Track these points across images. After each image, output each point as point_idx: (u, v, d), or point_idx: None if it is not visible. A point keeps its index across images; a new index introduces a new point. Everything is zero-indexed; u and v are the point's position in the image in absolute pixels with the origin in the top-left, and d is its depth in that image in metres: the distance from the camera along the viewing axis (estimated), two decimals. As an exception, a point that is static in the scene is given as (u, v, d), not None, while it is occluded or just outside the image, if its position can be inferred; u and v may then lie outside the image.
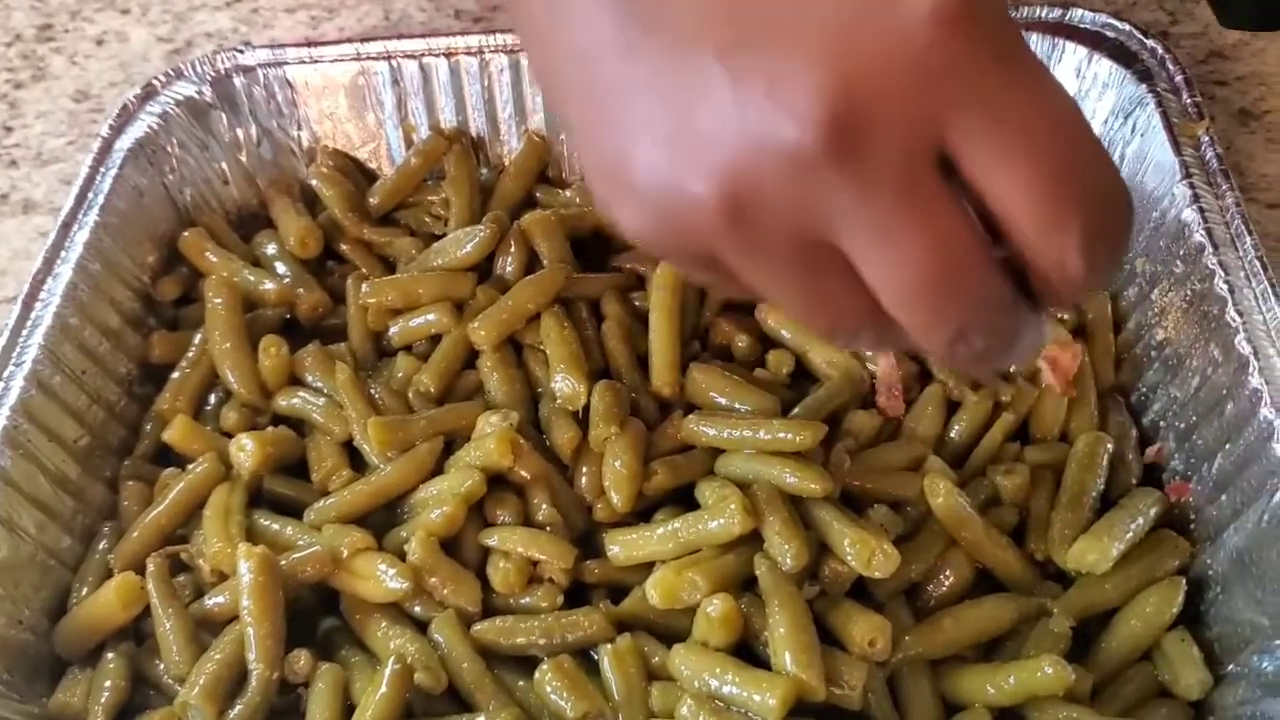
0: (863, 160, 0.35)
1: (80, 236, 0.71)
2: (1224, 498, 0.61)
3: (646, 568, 0.61)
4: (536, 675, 0.58)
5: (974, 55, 0.35)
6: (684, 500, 0.65)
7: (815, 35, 0.35)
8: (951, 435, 0.67)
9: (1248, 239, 0.66)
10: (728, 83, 0.36)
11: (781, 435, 0.63)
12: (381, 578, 0.60)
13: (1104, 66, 0.76)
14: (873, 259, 0.37)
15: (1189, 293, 0.66)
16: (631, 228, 0.40)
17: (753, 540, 0.61)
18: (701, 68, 0.37)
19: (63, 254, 0.70)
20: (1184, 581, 0.61)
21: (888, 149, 0.36)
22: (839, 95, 0.35)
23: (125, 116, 0.78)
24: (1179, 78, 0.75)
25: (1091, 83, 0.77)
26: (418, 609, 0.62)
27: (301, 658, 0.60)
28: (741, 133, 0.36)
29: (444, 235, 0.77)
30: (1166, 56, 0.75)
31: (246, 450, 0.66)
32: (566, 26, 0.41)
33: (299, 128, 0.82)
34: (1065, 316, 0.72)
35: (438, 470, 0.66)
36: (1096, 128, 0.77)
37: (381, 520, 0.65)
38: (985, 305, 0.38)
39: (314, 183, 0.80)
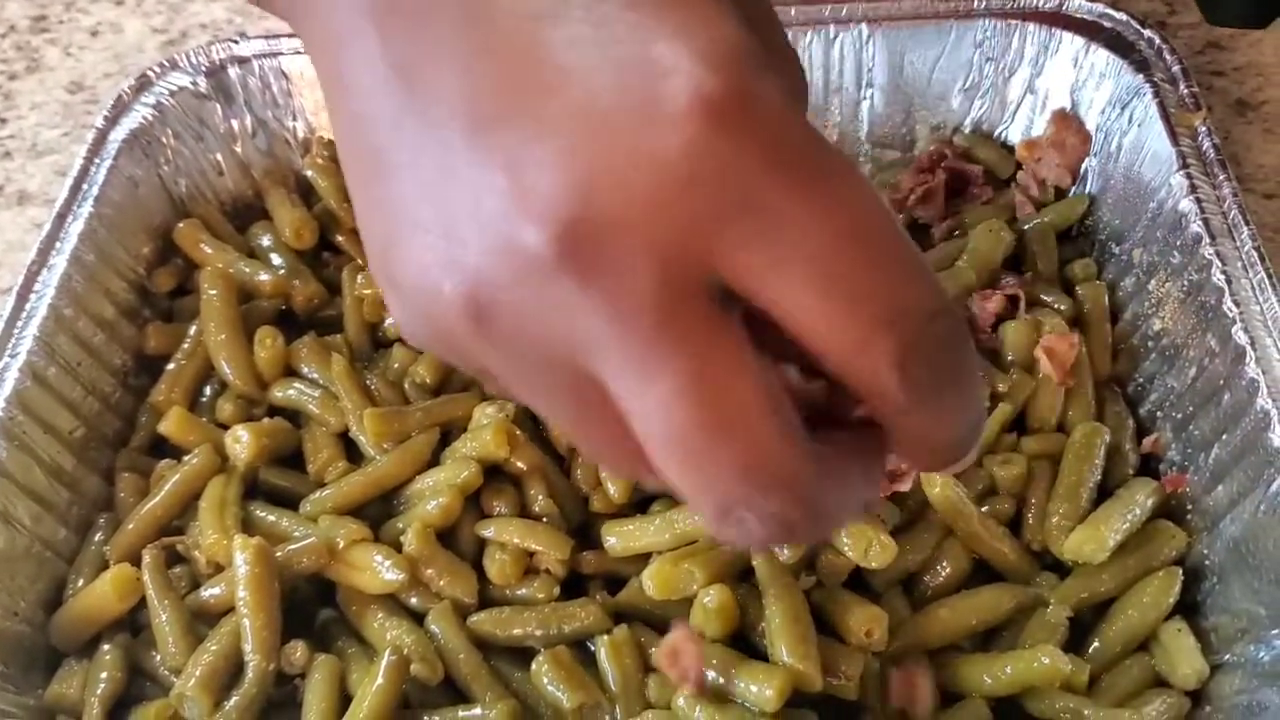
0: (606, 277, 0.30)
1: (75, 228, 0.71)
2: (1221, 488, 0.61)
3: (643, 559, 0.61)
4: (533, 666, 0.58)
5: (745, 159, 0.29)
6: (681, 491, 0.65)
7: (564, 122, 0.30)
8: (948, 426, 0.67)
9: (1245, 229, 0.66)
10: (474, 167, 0.31)
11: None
12: (378, 569, 0.60)
13: (1101, 57, 0.76)
14: (625, 396, 0.31)
15: (1186, 283, 0.66)
16: (397, 321, 0.35)
17: (749, 531, 0.61)
18: (452, 147, 0.32)
19: (57, 245, 0.70)
20: (1181, 571, 0.61)
21: (637, 267, 0.29)
22: (580, 197, 0.29)
23: (120, 107, 0.78)
24: (1176, 68, 0.75)
25: (1089, 73, 0.77)
26: (414, 600, 0.62)
27: (298, 649, 0.59)
28: (482, 228, 0.31)
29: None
30: (1163, 47, 0.75)
31: (242, 442, 0.66)
32: (343, 86, 0.35)
33: (294, 118, 0.81)
34: (1063, 307, 0.72)
35: (434, 462, 0.66)
36: (1093, 119, 0.77)
37: (377, 512, 0.65)
38: (766, 470, 0.31)
39: (309, 174, 0.79)
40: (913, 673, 0.57)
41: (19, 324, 0.67)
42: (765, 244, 0.30)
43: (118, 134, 0.76)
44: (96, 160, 0.75)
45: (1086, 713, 0.55)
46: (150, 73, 0.79)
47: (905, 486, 0.61)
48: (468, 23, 0.32)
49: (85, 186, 0.73)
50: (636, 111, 0.30)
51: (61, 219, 0.71)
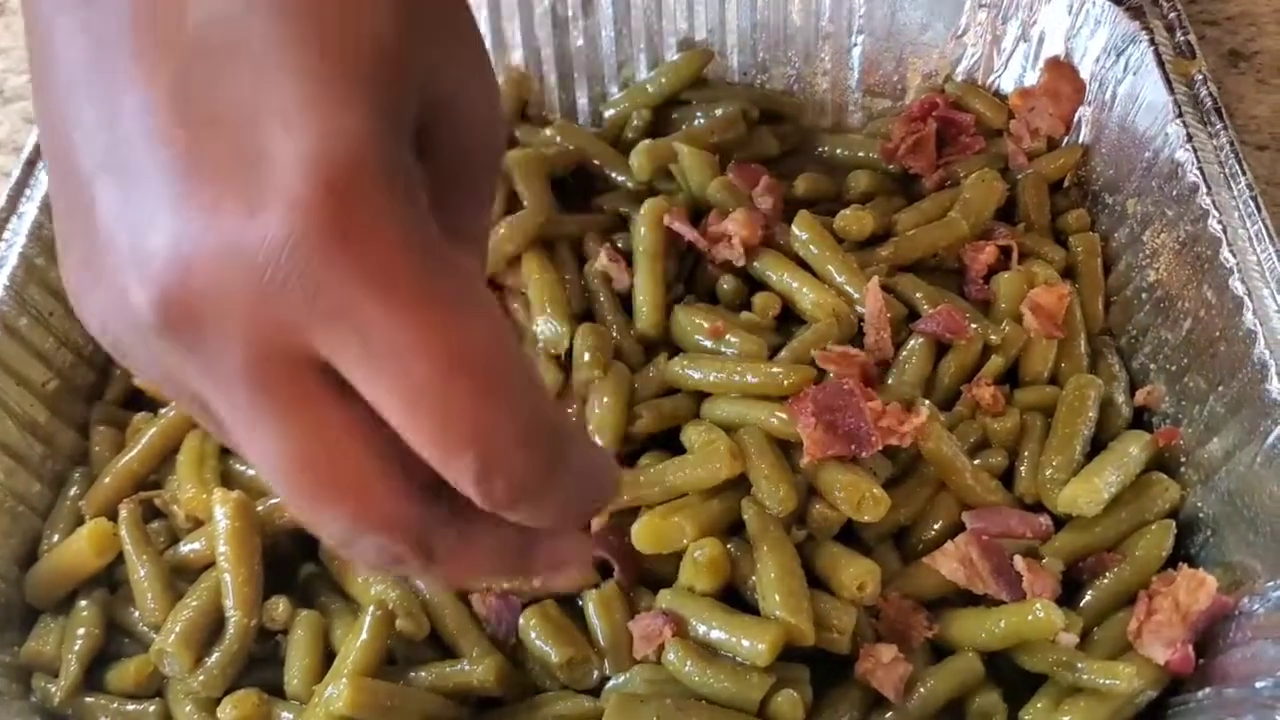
0: (201, 349, 0.31)
1: (45, 175, 0.69)
2: (1215, 440, 0.60)
3: (632, 512, 0.60)
4: (520, 621, 0.57)
5: (340, 269, 0.30)
6: (669, 444, 0.64)
7: (180, 192, 0.31)
8: (940, 377, 0.66)
9: (1242, 179, 0.65)
10: (100, 204, 0.32)
11: (769, 378, 0.62)
12: (361, 523, 0.59)
13: (1096, 3, 0.75)
14: (237, 440, 0.34)
15: (1181, 234, 0.65)
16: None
17: (740, 484, 0.60)
18: (80, 178, 0.33)
19: (27, 192, 0.68)
20: (1174, 524, 0.60)
21: (228, 347, 0.31)
22: (181, 273, 0.31)
23: (90, 51, 0.75)
24: (1171, 15, 0.74)
25: (1084, 20, 0.76)
26: (399, 555, 0.61)
27: (280, 604, 0.58)
28: (108, 275, 0.32)
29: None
30: (1158, -7, 0.74)
31: (221, 394, 0.65)
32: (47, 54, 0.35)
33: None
34: (1055, 258, 0.71)
35: (418, 414, 0.65)
36: (1087, 67, 0.76)
37: (360, 465, 0.64)
38: (373, 516, 0.33)
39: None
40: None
41: (-13, 275, 0.65)
42: (356, 354, 0.31)
43: (88, 78, 0.74)
44: (66, 105, 0.73)
45: (1079, 666, 0.55)
46: (121, 15, 0.77)
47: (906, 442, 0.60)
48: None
49: (55, 132, 0.71)
50: (237, 194, 0.30)
51: (31, 165, 0.70)
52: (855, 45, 0.81)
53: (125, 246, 0.32)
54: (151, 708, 0.57)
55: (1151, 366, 0.67)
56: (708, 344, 0.66)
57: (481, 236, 0.43)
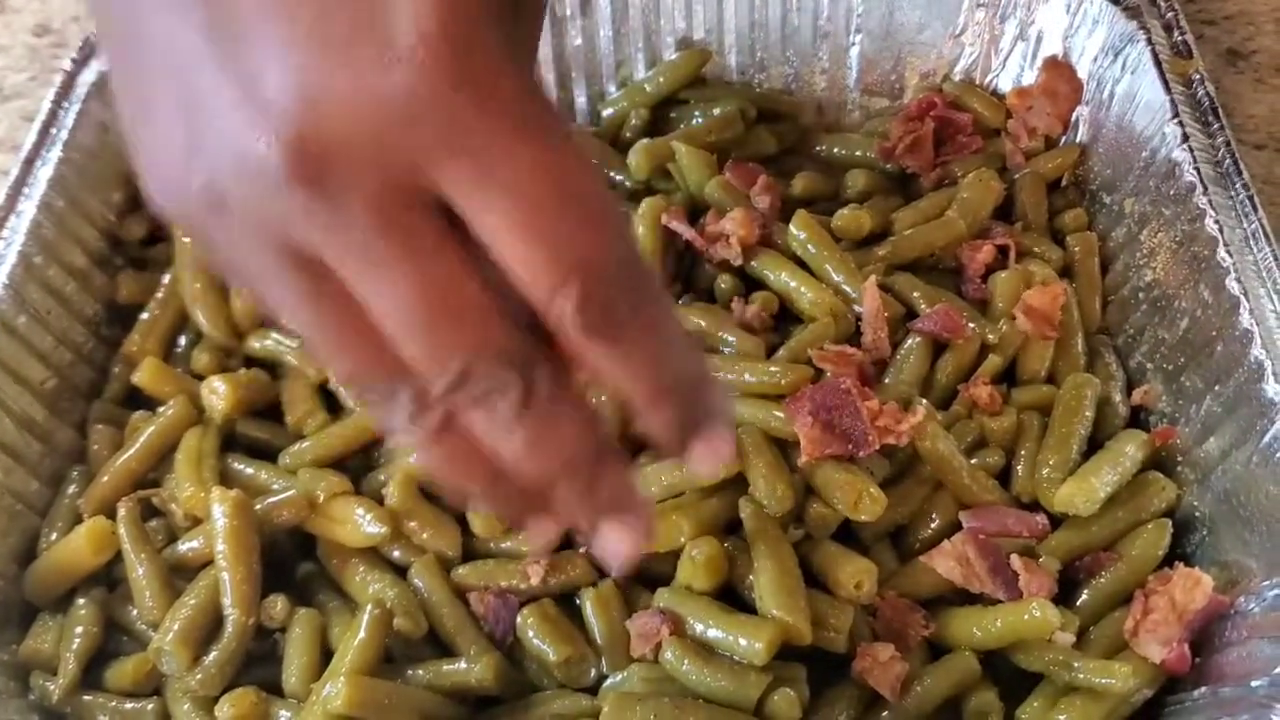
0: (332, 191, 0.33)
1: (44, 173, 0.69)
2: (1212, 439, 0.61)
3: (630, 511, 0.60)
4: (518, 620, 0.57)
5: (460, 100, 0.33)
6: (667, 443, 0.64)
7: (300, 44, 0.33)
8: (937, 377, 0.66)
9: (1239, 179, 0.65)
10: (218, 72, 0.34)
11: (766, 377, 0.62)
12: (359, 522, 0.59)
13: (1094, 2, 0.75)
14: (360, 288, 0.35)
15: (1178, 233, 0.66)
16: (147, 191, 0.38)
17: (737, 483, 0.60)
18: (200, 49, 0.34)
19: (25, 191, 0.68)
20: (1170, 523, 0.60)
21: (358, 184, 0.33)
22: (310, 118, 0.33)
23: (88, 50, 0.75)
24: (1169, 15, 0.74)
25: (1081, 19, 0.76)
26: (396, 553, 0.61)
27: (278, 603, 0.58)
28: (220, 133, 0.34)
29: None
30: (1156, -8, 0.74)
31: (218, 393, 0.65)
32: None
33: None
34: (1053, 258, 0.71)
35: (416, 413, 0.65)
36: (1085, 66, 0.76)
37: (358, 464, 0.64)
38: (492, 348, 0.36)
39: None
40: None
41: (-14, 273, 0.65)
42: (474, 182, 0.34)
43: (86, 77, 0.74)
44: (65, 105, 0.73)
45: (1075, 664, 0.55)
46: (120, 14, 0.77)
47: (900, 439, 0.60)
48: None
49: (54, 131, 0.71)
50: (365, 43, 0.32)
51: (30, 164, 0.70)
52: (853, 44, 0.81)
53: (244, 102, 0.33)
54: (149, 706, 0.57)
55: (1148, 366, 0.67)
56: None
57: None
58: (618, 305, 0.36)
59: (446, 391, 0.36)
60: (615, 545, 0.41)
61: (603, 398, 0.55)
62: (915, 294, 0.68)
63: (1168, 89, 0.69)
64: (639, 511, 0.42)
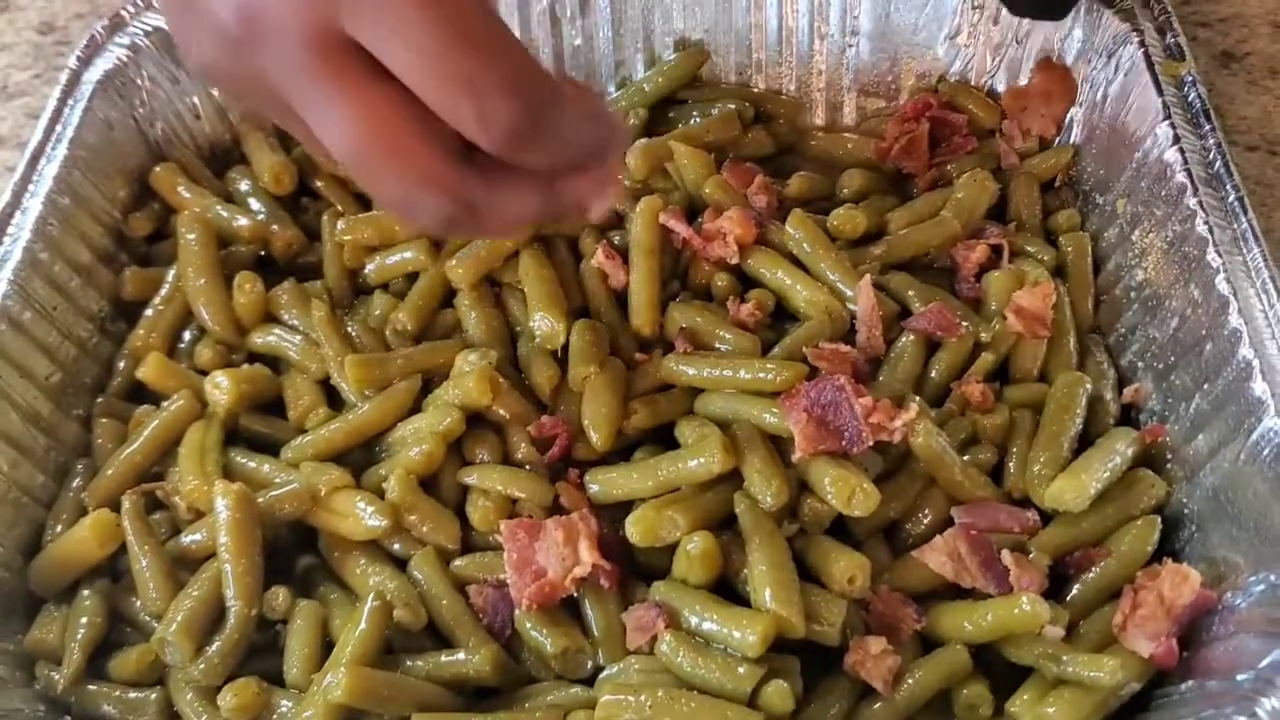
0: (269, 40, 0.42)
1: (49, 170, 0.70)
2: (1201, 437, 0.61)
3: (626, 506, 0.61)
4: (516, 612, 0.58)
5: None
6: (664, 439, 0.65)
7: None
8: (931, 374, 0.67)
9: (1229, 180, 0.65)
10: None
11: (762, 375, 0.63)
12: (360, 515, 0.60)
13: (1088, 4, 0.76)
14: (311, 125, 0.44)
15: (1169, 234, 0.66)
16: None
17: (732, 479, 0.61)
18: None
19: (31, 188, 0.69)
20: (1160, 520, 0.61)
21: (286, 31, 0.42)
22: None
23: (93, 48, 0.76)
24: (1162, 17, 0.74)
25: (1076, 21, 0.76)
26: (396, 546, 0.62)
27: (280, 594, 0.59)
28: (209, 14, 0.44)
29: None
30: (1149, -5, 0.75)
31: (222, 387, 0.66)
32: None
33: (272, 61, 0.80)
34: (1045, 258, 0.72)
35: (416, 408, 0.66)
36: (1079, 68, 0.77)
37: (359, 459, 0.65)
38: (420, 174, 0.43)
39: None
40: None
41: (-7, 268, 0.66)
42: (379, 25, 0.41)
43: (91, 75, 0.75)
44: (70, 102, 0.74)
45: (1065, 658, 0.56)
46: (124, 12, 0.78)
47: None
48: None
49: (59, 129, 0.72)
50: None
51: (35, 161, 0.70)
52: (850, 46, 0.82)
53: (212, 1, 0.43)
54: (153, 696, 0.58)
55: (1139, 364, 0.68)
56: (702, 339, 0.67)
57: None
58: (514, 115, 0.42)
59: (402, 216, 0.45)
60: (595, 217, 0.51)
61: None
62: (909, 293, 0.69)
63: (1160, 91, 0.70)
64: (598, 191, 0.49)
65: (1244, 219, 0.64)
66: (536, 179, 0.46)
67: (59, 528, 0.63)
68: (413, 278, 0.72)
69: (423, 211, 0.45)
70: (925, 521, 0.62)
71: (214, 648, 0.57)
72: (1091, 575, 0.60)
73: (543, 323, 0.67)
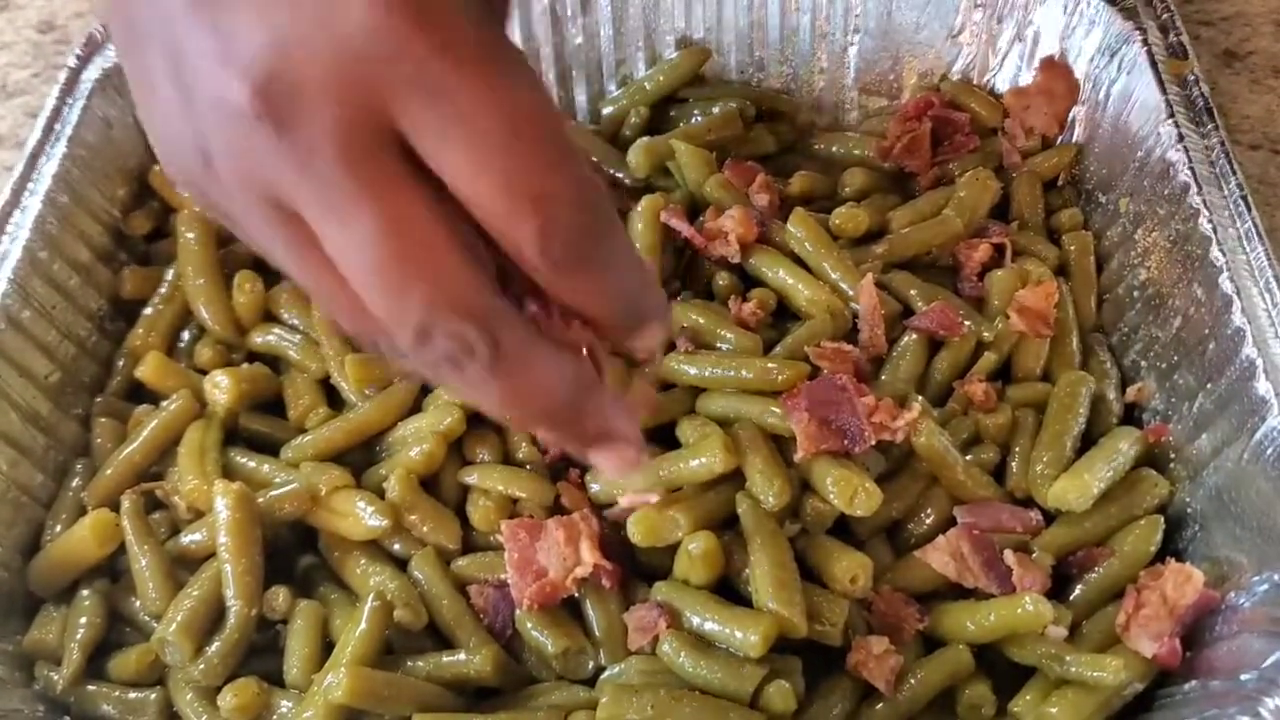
0: (298, 127, 0.35)
1: (48, 169, 0.70)
2: (1204, 436, 0.61)
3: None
4: (517, 612, 0.58)
5: (418, 41, 0.34)
6: (665, 439, 0.64)
7: (263, 4, 0.35)
8: (933, 374, 0.67)
9: (1232, 178, 0.65)
10: (194, 36, 0.36)
11: (764, 374, 0.63)
12: (360, 515, 0.60)
13: (1090, 3, 0.76)
14: (325, 233, 0.36)
15: (1172, 232, 0.66)
16: (160, 160, 0.40)
17: (734, 479, 0.61)
18: (177, 19, 0.37)
19: (30, 186, 0.69)
20: (1163, 520, 0.61)
21: (323, 120, 0.35)
22: (276, 57, 0.35)
23: (92, 47, 0.76)
24: (1165, 16, 0.74)
25: (1078, 19, 0.76)
26: (397, 547, 0.61)
27: (280, 594, 0.59)
28: (203, 85, 0.36)
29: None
30: (1152, -7, 0.75)
31: (221, 387, 0.66)
32: None
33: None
34: (1048, 256, 0.72)
35: (416, 408, 0.65)
36: (1082, 67, 0.77)
37: (359, 458, 0.65)
38: (452, 298, 0.36)
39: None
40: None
41: (-9, 267, 0.66)
42: (433, 117, 0.35)
43: (90, 74, 0.75)
44: (69, 101, 0.73)
45: (1068, 658, 0.56)
46: (124, 11, 0.77)
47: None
48: None
49: (58, 127, 0.72)
50: None
51: (34, 160, 0.70)
52: (852, 44, 0.82)
53: (220, 54, 0.35)
54: (152, 696, 0.58)
55: (1142, 364, 0.67)
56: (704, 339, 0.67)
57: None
58: (579, 237, 0.37)
59: (413, 346, 0.37)
60: (607, 468, 0.44)
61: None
62: (912, 292, 0.69)
63: (1163, 89, 0.70)
64: (629, 435, 0.43)
65: (1247, 218, 0.64)
66: (573, 360, 0.40)
67: (58, 527, 0.63)
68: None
69: (439, 339, 0.37)
70: (928, 521, 0.62)
71: (214, 648, 0.57)
72: (1094, 575, 0.60)
73: (544, 322, 0.67)
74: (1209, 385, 0.61)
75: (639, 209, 0.71)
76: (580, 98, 0.84)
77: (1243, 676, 0.52)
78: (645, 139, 0.76)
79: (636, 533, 0.59)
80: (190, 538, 0.61)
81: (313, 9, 0.34)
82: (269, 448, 0.66)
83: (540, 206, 0.36)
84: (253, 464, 0.64)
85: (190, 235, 0.71)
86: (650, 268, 0.42)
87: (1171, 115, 0.69)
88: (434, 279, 0.36)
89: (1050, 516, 0.62)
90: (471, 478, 0.63)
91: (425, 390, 0.66)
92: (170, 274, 0.72)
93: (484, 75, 0.35)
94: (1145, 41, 0.73)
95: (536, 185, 0.36)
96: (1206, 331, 0.62)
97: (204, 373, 0.67)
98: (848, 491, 0.58)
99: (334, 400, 0.67)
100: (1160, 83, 0.70)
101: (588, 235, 0.37)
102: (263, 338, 0.69)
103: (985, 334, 0.67)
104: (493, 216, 0.36)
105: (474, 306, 0.37)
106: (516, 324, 0.38)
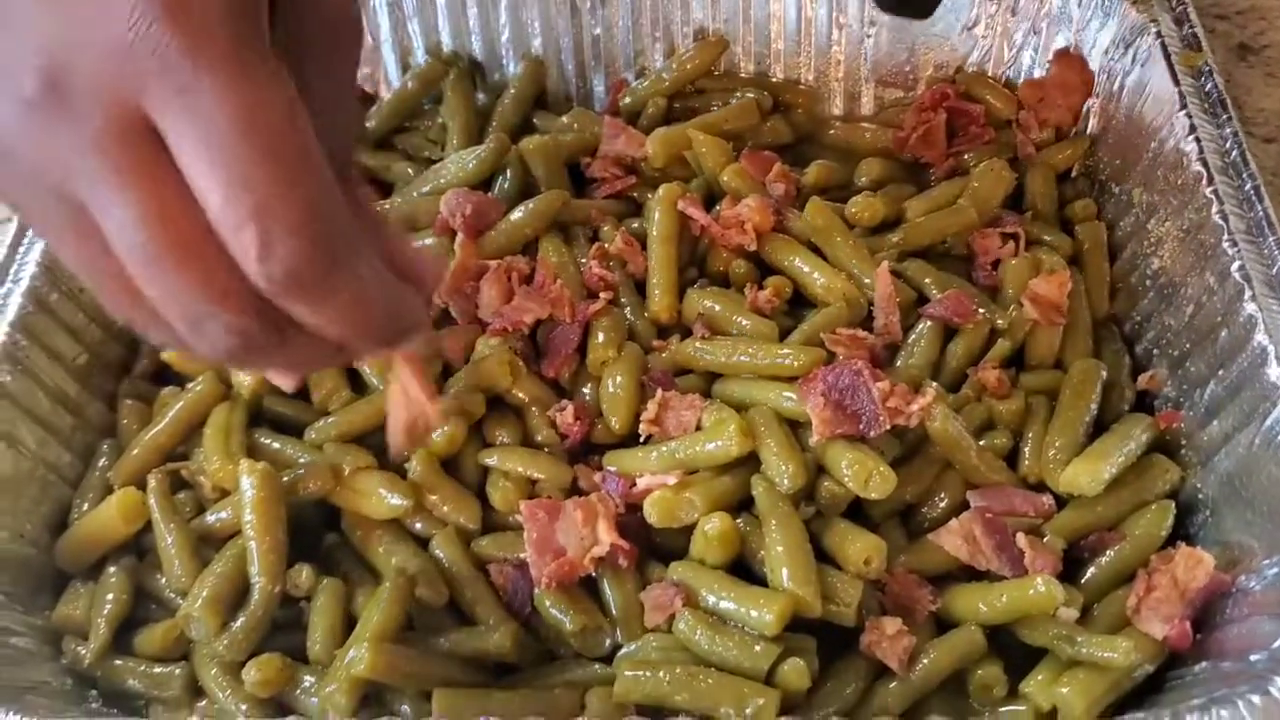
0: (70, 113, 0.37)
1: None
2: (1215, 423, 0.62)
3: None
4: (536, 591, 0.59)
5: (171, 41, 0.36)
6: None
7: (49, 6, 0.37)
8: (948, 360, 0.68)
9: (1245, 169, 0.66)
10: None
11: (780, 359, 0.64)
12: (383, 495, 0.61)
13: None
14: (101, 220, 0.38)
15: (1185, 222, 0.67)
16: None
17: (750, 462, 0.61)
18: None
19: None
20: (1174, 505, 0.62)
21: (91, 115, 0.37)
22: (51, 52, 0.37)
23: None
24: (1179, 8, 0.75)
25: (1093, 12, 0.77)
26: (418, 526, 0.62)
27: (303, 572, 0.60)
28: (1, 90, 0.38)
29: (440, 160, 0.77)
30: (1168, -14, 0.75)
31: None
32: None
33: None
34: (1061, 247, 0.72)
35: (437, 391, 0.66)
36: (1096, 59, 0.77)
37: (381, 440, 0.65)
38: (216, 286, 0.37)
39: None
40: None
41: (21, 249, 0.67)
42: (175, 112, 0.36)
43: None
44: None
45: (1079, 640, 0.56)
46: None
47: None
48: None
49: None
50: None
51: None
52: (868, 36, 0.82)
53: (11, 55, 0.38)
54: (177, 670, 0.59)
55: (1154, 351, 0.68)
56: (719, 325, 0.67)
57: (338, 95, 0.46)
58: (299, 264, 0.37)
59: (189, 334, 0.39)
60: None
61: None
62: (926, 280, 0.70)
63: (1177, 81, 0.71)
64: (418, 328, 0.44)
65: (1259, 207, 0.64)
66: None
67: (85, 506, 0.64)
68: (434, 263, 0.72)
69: (211, 330, 0.38)
70: (941, 505, 0.63)
71: (238, 623, 0.58)
72: (1106, 559, 0.60)
73: (562, 308, 0.68)
74: (1220, 372, 0.62)
75: (656, 198, 0.72)
76: (599, 88, 0.85)
77: (1253, 657, 0.52)
78: (663, 129, 0.77)
79: (653, 514, 0.60)
80: (215, 516, 0.62)
81: (88, 9, 0.37)
82: (293, 430, 0.67)
83: (259, 219, 0.36)
84: (277, 445, 0.65)
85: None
86: (404, 287, 0.43)
87: (1185, 106, 0.69)
88: (195, 260, 0.37)
89: (1062, 501, 0.63)
90: (492, 459, 0.63)
91: (446, 374, 0.67)
92: (195, 259, 0.72)
93: (229, 78, 0.36)
94: (1159, 34, 0.73)
95: (260, 195, 0.36)
96: (1218, 319, 0.63)
97: (228, 356, 0.68)
98: (862, 475, 0.59)
99: (357, 383, 0.68)
100: (1174, 75, 0.71)
101: (309, 263, 0.37)
102: (286, 322, 0.70)
103: (999, 321, 0.68)
104: (216, 219, 0.37)
105: (237, 292, 0.38)
106: (277, 310, 0.39)
